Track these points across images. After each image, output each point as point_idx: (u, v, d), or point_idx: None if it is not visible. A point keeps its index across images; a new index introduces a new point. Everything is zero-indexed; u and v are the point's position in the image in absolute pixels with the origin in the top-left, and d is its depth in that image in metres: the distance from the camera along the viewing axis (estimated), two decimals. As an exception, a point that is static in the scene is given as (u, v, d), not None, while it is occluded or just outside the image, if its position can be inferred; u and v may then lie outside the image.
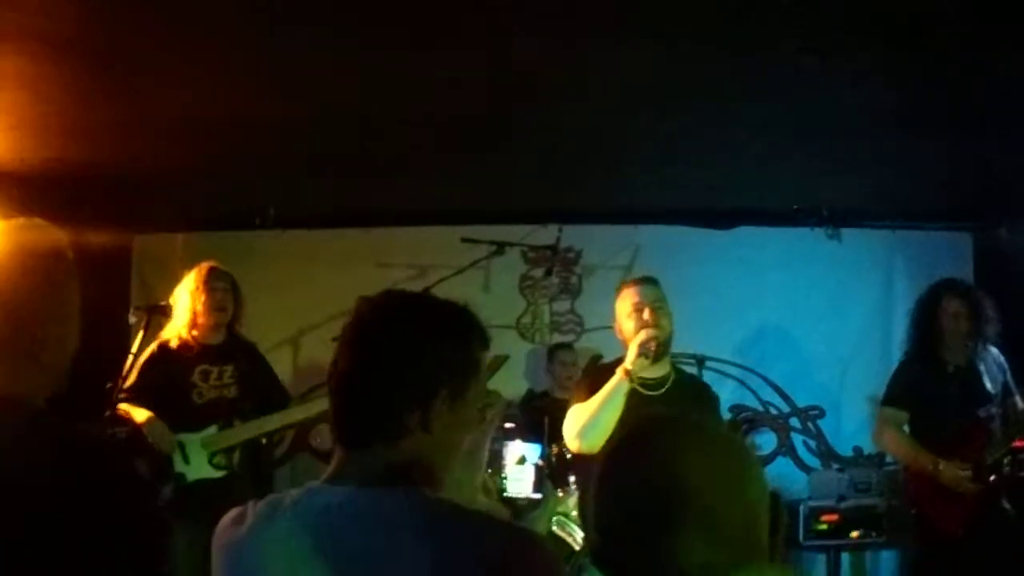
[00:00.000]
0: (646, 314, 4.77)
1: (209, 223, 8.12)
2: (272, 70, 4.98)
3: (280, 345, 8.02)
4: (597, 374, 4.97)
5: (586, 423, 4.71)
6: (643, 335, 4.69)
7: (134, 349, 5.59)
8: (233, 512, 2.06)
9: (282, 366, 7.27)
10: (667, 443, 1.95)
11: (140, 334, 5.64)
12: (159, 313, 5.75)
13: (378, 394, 2.02)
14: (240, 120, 5.70)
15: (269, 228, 8.08)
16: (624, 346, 4.85)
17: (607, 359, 5.30)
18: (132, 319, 5.82)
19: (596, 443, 4.47)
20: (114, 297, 7.48)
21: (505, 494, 5.09)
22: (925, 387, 5.94)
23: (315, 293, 8.06)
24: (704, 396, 5.04)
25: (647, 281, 4.97)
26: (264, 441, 6.66)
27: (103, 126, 5.78)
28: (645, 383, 4.77)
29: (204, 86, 5.19)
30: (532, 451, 5.94)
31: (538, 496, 5.20)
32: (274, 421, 5.92)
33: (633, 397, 4.65)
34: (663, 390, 4.81)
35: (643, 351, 4.68)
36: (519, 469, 5.50)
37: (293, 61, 4.83)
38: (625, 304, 4.87)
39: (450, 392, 2.03)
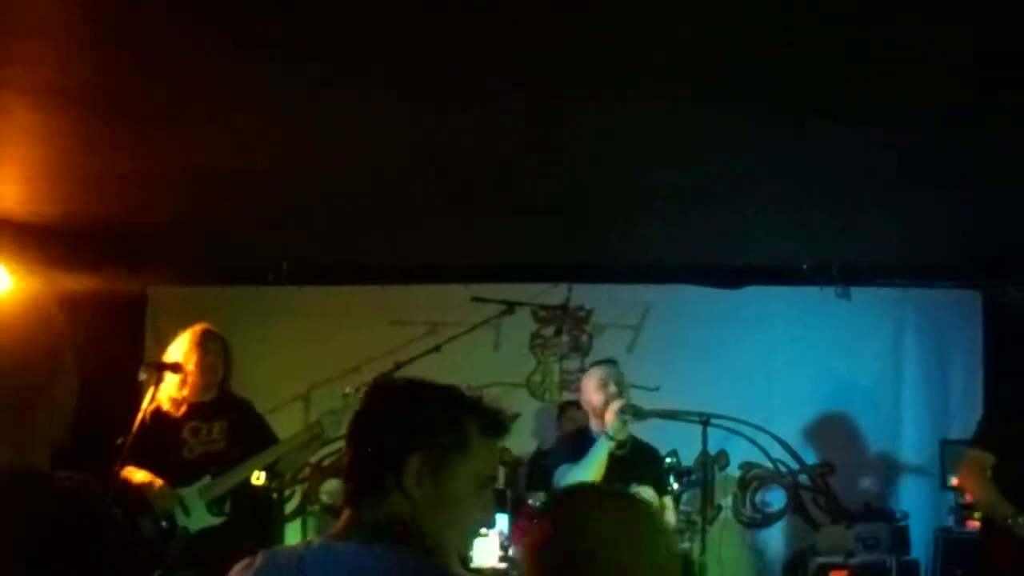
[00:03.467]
0: (611, 387, 5.67)
1: (223, 277, 8.18)
2: (288, 129, 5.04)
3: (292, 400, 8.05)
4: (575, 438, 5.95)
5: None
6: (617, 403, 5.55)
7: (144, 406, 5.65)
8: (243, 561, 2.19)
9: (294, 421, 7.28)
10: (582, 510, 2.23)
11: (151, 391, 5.70)
12: (169, 370, 5.80)
13: (361, 455, 2.23)
14: (254, 175, 5.76)
15: (282, 284, 8.13)
16: (593, 415, 5.73)
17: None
18: (142, 376, 5.87)
19: None
20: (128, 350, 7.53)
21: (472, 564, 5.91)
22: (1016, 432, 5.53)
23: (327, 349, 8.11)
24: (654, 454, 5.99)
25: (609, 362, 5.99)
26: (274, 495, 6.71)
27: (117, 179, 5.85)
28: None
29: (218, 141, 5.25)
30: (497, 521, 6.26)
31: (503, 567, 6.28)
32: (263, 457, 6.00)
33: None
34: (625, 450, 5.62)
35: (621, 415, 5.54)
36: (484, 539, 6.32)
37: (308, 117, 4.89)
38: (592, 381, 5.80)
39: (428, 458, 2.17)
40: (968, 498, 5.85)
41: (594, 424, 5.72)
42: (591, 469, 5.42)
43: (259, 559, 2.17)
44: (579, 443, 5.68)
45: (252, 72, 4.35)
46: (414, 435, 2.19)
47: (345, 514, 2.21)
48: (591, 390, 5.75)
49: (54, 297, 2.32)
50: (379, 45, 4.06)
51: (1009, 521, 5.33)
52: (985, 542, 5.65)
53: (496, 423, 2.29)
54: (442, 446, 2.19)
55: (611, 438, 5.47)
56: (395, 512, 2.14)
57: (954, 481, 6.04)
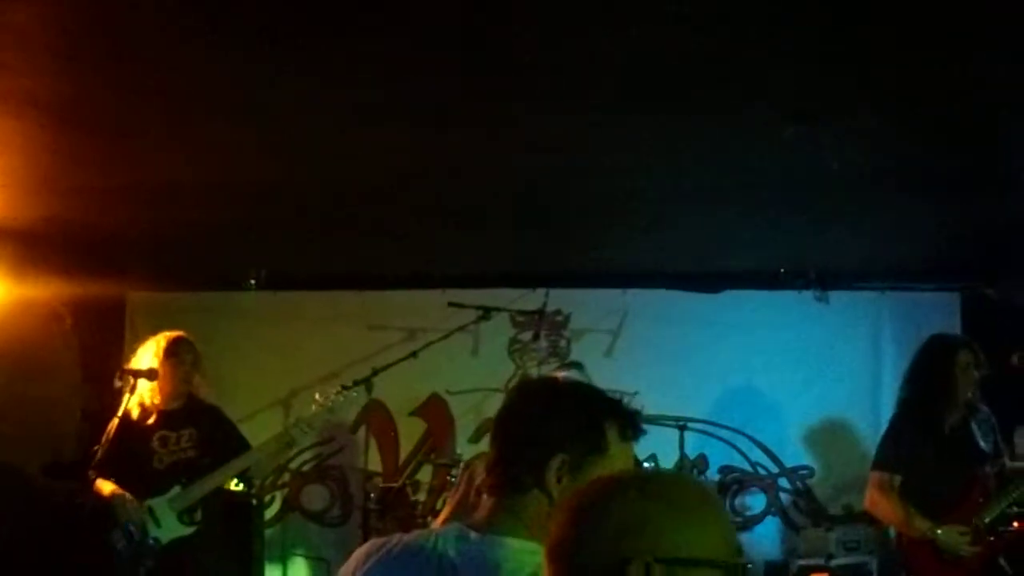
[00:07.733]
0: None
1: (202, 283, 8.16)
2: (265, 136, 5.03)
3: (271, 406, 8.04)
4: None
5: None
6: None
7: (119, 413, 5.63)
8: (368, 544, 2.35)
9: (273, 427, 7.26)
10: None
11: (126, 397, 5.68)
12: (145, 377, 5.77)
13: (506, 452, 2.35)
14: (231, 184, 5.75)
15: (261, 289, 8.12)
16: None
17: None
18: (118, 383, 5.83)
19: None
20: (109, 356, 7.50)
21: None
22: (919, 448, 5.63)
23: (305, 354, 8.11)
24: None
25: None
26: (253, 501, 6.70)
27: (94, 188, 5.83)
28: None
29: (196, 151, 5.24)
30: None
31: None
32: (234, 466, 5.99)
33: None
34: None
35: None
36: None
37: (285, 128, 4.88)
38: None
39: (568, 460, 2.28)
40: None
41: None
42: None
43: (394, 542, 2.31)
44: None
45: (230, 86, 4.35)
46: (557, 438, 2.30)
47: (485, 505, 2.35)
48: None
49: (45, 303, 2.33)
50: (358, 63, 4.07)
51: (928, 534, 5.44)
52: (906, 555, 5.71)
53: (634, 427, 2.40)
54: (582, 449, 2.30)
55: None
56: (533, 508, 2.26)
57: (865, 506, 5.97)
